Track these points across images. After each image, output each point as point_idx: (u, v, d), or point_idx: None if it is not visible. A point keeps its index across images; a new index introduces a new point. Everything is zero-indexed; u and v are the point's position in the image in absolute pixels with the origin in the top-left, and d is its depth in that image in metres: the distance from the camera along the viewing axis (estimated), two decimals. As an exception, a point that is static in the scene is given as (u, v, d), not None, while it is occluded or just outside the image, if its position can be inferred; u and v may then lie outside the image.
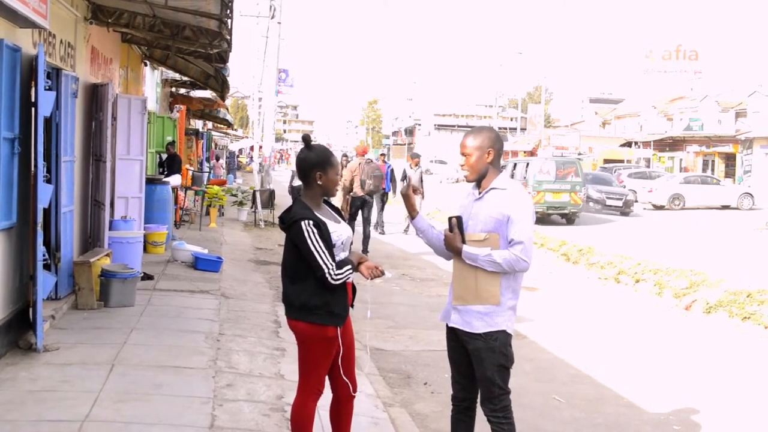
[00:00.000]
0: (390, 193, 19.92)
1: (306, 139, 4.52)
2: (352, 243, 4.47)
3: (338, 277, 4.10)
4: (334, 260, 4.12)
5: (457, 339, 4.38)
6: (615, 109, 76.75)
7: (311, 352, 4.28)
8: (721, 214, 30.84)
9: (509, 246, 4.13)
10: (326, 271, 4.06)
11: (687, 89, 61.97)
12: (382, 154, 20.61)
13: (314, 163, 4.28)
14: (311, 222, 4.11)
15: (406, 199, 4.52)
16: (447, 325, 4.45)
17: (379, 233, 18.42)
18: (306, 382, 4.33)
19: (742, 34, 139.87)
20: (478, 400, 4.42)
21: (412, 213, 4.52)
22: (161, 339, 7.22)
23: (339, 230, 4.27)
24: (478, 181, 4.33)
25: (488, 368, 4.24)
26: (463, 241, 4.23)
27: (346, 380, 4.44)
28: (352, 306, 4.52)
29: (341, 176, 20.17)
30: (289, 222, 4.19)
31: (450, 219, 4.33)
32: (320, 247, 4.08)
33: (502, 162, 4.52)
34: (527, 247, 4.10)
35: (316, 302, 4.16)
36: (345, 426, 4.58)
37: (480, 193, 4.31)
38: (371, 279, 4.28)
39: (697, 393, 7.15)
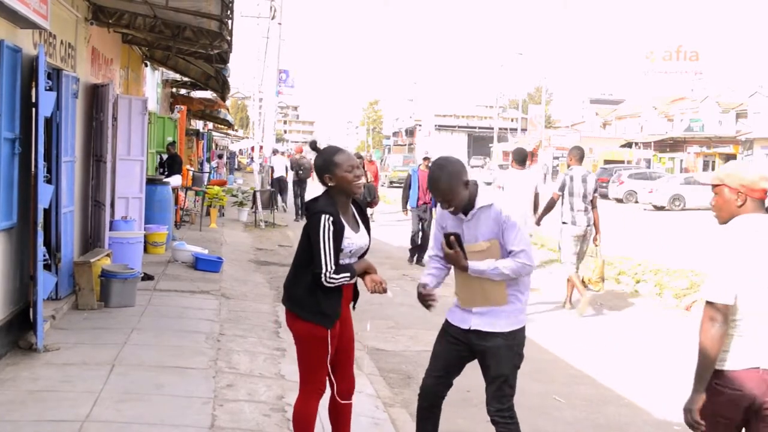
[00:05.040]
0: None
1: (312, 145, 4.50)
2: (365, 253, 4.42)
3: (332, 280, 4.08)
4: (337, 263, 4.11)
5: (463, 340, 4.40)
6: (615, 110, 76.74)
7: (304, 350, 4.29)
8: (722, 215, 30.79)
9: (512, 256, 4.21)
10: (324, 270, 4.05)
11: (687, 90, 61.97)
12: (427, 158, 15.49)
13: (319, 168, 4.25)
14: (331, 219, 4.09)
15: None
16: (452, 325, 4.46)
17: (410, 258, 14.77)
18: (304, 381, 4.34)
19: (742, 34, 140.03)
20: (485, 401, 4.45)
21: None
22: (162, 339, 7.22)
23: (354, 238, 4.24)
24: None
25: (505, 367, 4.32)
26: (465, 257, 4.27)
27: (333, 380, 4.43)
28: (354, 308, 4.52)
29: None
30: (312, 212, 4.19)
31: (448, 237, 4.29)
32: (329, 245, 4.06)
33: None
34: (528, 252, 4.23)
35: (308, 298, 4.16)
36: (342, 426, 4.56)
37: (467, 215, 4.31)
38: (371, 293, 4.29)
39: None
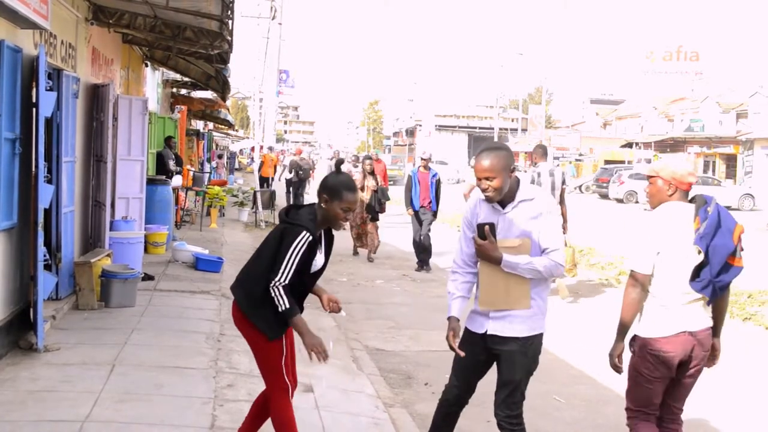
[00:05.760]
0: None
1: (338, 163, 4.51)
2: (319, 272, 4.41)
3: (276, 290, 4.08)
4: (294, 280, 4.12)
5: (482, 346, 4.33)
6: (616, 110, 76.76)
7: (261, 353, 4.31)
8: (722, 215, 30.78)
9: (545, 254, 4.13)
10: (277, 277, 4.06)
11: (688, 90, 62.02)
12: (424, 159, 14.48)
13: (326, 187, 4.25)
14: (310, 240, 4.10)
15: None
16: (470, 331, 4.38)
17: (417, 268, 13.60)
18: (269, 384, 4.34)
19: (743, 34, 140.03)
20: (494, 405, 4.39)
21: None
22: (162, 339, 7.22)
23: (317, 259, 4.29)
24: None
25: (518, 372, 4.24)
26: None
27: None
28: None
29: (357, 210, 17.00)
30: (292, 222, 4.18)
31: (483, 227, 4.17)
32: (293, 261, 4.07)
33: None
34: (562, 252, 4.15)
35: (261, 302, 4.17)
36: (262, 418, 4.55)
37: (505, 208, 4.22)
38: (328, 311, 4.40)
39: (697, 394, 7.13)
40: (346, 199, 4.19)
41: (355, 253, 15.15)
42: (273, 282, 4.07)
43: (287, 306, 4.09)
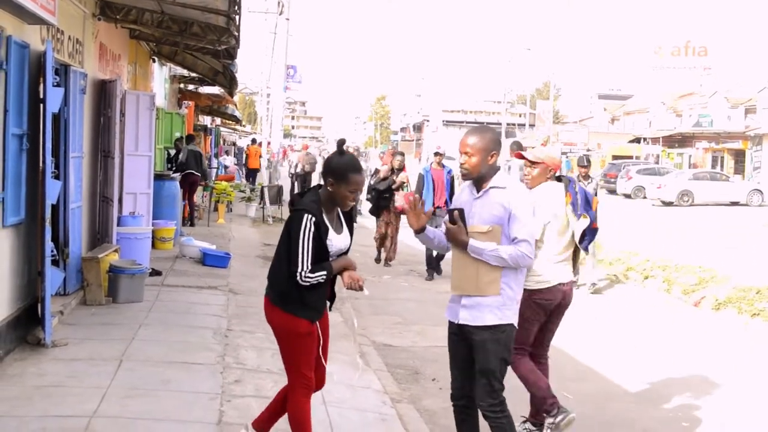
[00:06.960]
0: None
1: (339, 144, 4.48)
2: (345, 253, 4.35)
3: (307, 279, 4.06)
4: (314, 262, 4.08)
5: (461, 335, 4.41)
6: (624, 105, 76.50)
7: (287, 345, 4.28)
8: (731, 211, 30.74)
9: (513, 243, 4.19)
10: (299, 269, 4.03)
11: (696, 85, 61.68)
12: (439, 154, 13.15)
13: (331, 170, 4.21)
14: (314, 219, 4.08)
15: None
16: (449, 321, 4.48)
17: (427, 277, 12.49)
18: (290, 378, 4.32)
19: (751, 29, 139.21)
20: (475, 397, 4.44)
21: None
22: (169, 335, 7.23)
23: (335, 240, 4.22)
24: (477, 180, 4.36)
25: (492, 360, 4.30)
26: (466, 233, 4.26)
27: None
28: (330, 309, 4.49)
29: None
30: (295, 209, 4.18)
31: (452, 212, 4.32)
32: (308, 245, 4.04)
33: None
34: (531, 244, 4.20)
35: (293, 291, 4.14)
36: (279, 413, 4.53)
37: (479, 192, 4.34)
38: (347, 289, 4.27)
39: (705, 390, 7.12)
40: (352, 181, 4.18)
41: (378, 260, 13.68)
42: (299, 275, 4.04)
43: (323, 272, 4.10)
